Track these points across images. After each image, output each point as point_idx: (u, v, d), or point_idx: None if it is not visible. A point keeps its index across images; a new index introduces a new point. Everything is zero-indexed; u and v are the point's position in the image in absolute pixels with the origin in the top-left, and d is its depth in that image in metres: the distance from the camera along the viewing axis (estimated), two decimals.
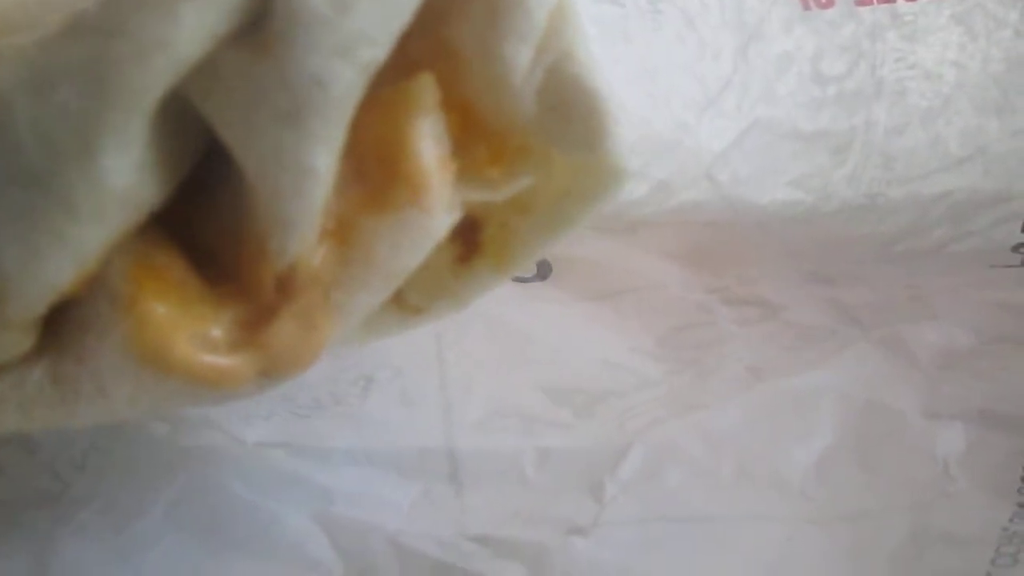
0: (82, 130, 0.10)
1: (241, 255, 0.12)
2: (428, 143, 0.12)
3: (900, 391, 0.18)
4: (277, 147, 0.11)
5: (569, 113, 0.13)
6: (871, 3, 0.27)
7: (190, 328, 0.12)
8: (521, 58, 0.12)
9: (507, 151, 0.13)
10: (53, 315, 0.12)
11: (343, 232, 0.12)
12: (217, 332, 0.12)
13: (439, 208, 0.12)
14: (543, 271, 0.26)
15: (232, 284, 0.12)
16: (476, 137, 0.13)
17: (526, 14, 0.12)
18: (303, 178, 0.11)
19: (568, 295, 0.24)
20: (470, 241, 0.14)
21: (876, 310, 0.21)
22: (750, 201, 0.30)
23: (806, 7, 0.27)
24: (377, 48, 0.11)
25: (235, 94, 0.11)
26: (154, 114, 0.10)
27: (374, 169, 0.12)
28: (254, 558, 0.15)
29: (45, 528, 0.16)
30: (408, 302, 0.15)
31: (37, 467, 0.18)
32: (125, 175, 0.11)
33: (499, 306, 0.24)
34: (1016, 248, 0.26)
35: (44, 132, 0.10)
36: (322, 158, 0.11)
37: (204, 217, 0.12)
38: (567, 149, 0.13)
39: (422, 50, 0.12)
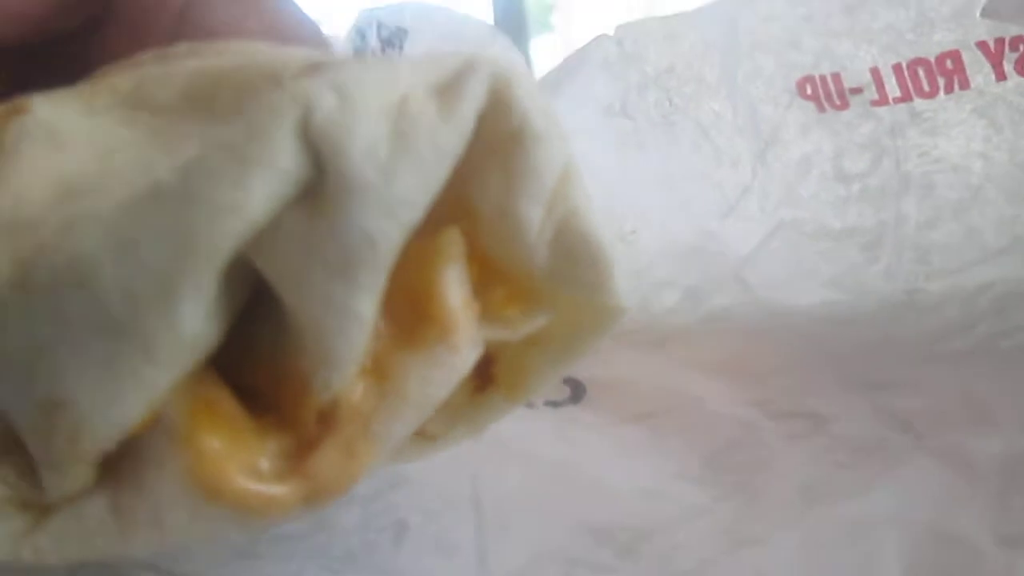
0: (163, 284, 0.11)
1: (283, 390, 0.13)
2: (455, 288, 0.13)
3: (967, 513, 0.17)
4: (328, 296, 0.12)
5: (576, 261, 0.14)
6: (887, 103, 0.26)
7: (241, 460, 0.13)
8: (534, 216, 0.14)
9: (522, 294, 0.14)
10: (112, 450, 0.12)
11: (379, 369, 0.13)
12: (264, 463, 0.13)
13: (465, 346, 0.13)
14: (577, 394, 0.25)
15: (274, 416, 0.13)
16: (494, 282, 0.14)
17: (538, 178, 0.13)
18: (350, 323, 0.12)
19: (603, 419, 0.23)
20: (484, 374, 0.15)
21: (930, 418, 0.20)
22: (784, 304, 0.29)
23: (821, 110, 0.27)
24: (416, 209, 0.12)
25: (291, 249, 0.12)
26: (223, 266, 0.12)
27: (406, 311, 0.13)
28: None
29: None
30: (427, 431, 0.16)
31: None
32: (198, 323, 0.12)
33: (534, 437, 0.23)
34: None
35: (127, 287, 0.11)
36: (367, 305, 0.12)
37: (246, 354, 0.13)
38: (574, 291, 0.15)
39: (446, 208, 0.13)
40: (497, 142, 0.13)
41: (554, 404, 0.24)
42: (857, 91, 0.27)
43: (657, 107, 0.29)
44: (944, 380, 0.22)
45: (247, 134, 0.11)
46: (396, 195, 0.12)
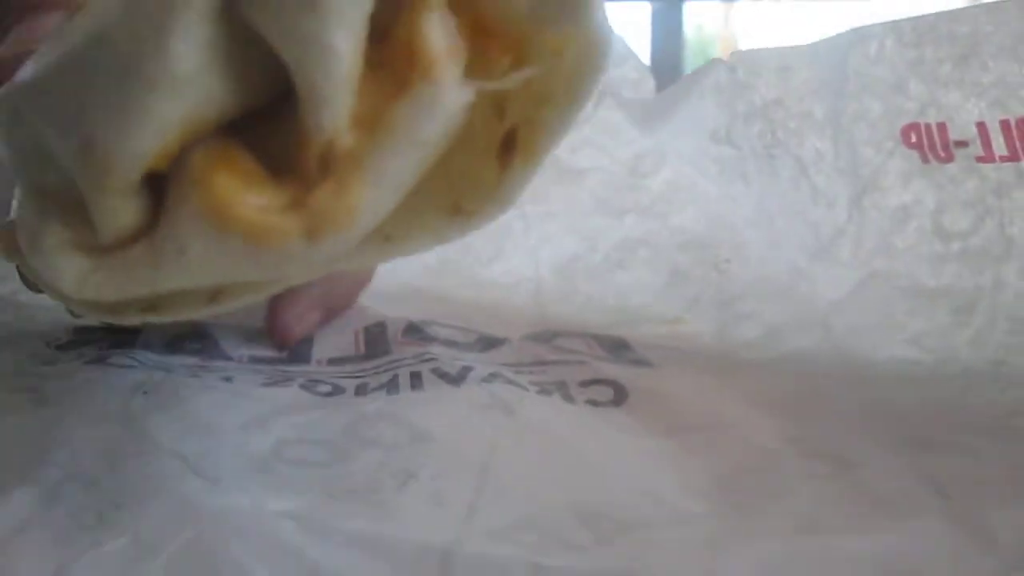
0: (157, 25, 0.14)
1: (294, 150, 0.15)
2: (436, 32, 0.15)
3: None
4: (302, 31, 0.14)
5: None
6: (993, 160, 0.25)
7: (248, 195, 0.15)
8: None
9: (511, 46, 0.16)
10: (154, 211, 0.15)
11: (373, 117, 0.15)
12: (271, 201, 0.15)
13: (447, 81, 0.15)
14: (619, 398, 0.25)
15: (289, 175, 0.15)
16: (485, 36, 0.15)
17: None
18: (327, 57, 0.14)
19: (636, 424, 0.23)
20: (508, 150, 0.17)
21: (968, 486, 0.19)
22: (865, 356, 0.28)
23: (925, 160, 0.26)
24: None
25: None
26: (211, 15, 0.14)
27: (396, 66, 0.15)
28: None
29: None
30: (464, 208, 0.17)
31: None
32: (191, 60, 0.14)
33: (563, 425, 0.23)
34: None
35: (132, 30, 0.14)
36: (341, 39, 0.14)
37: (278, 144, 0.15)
38: (556, 29, 0.15)
39: None
40: None
41: (594, 403, 0.25)
42: (962, 144, 0.25)
43: (760, 138, 0.29)
44: (1002, 454, 0.21)
45: None
46: None
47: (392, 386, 0.25)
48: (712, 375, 0.27)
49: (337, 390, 0.25)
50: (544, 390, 0.25)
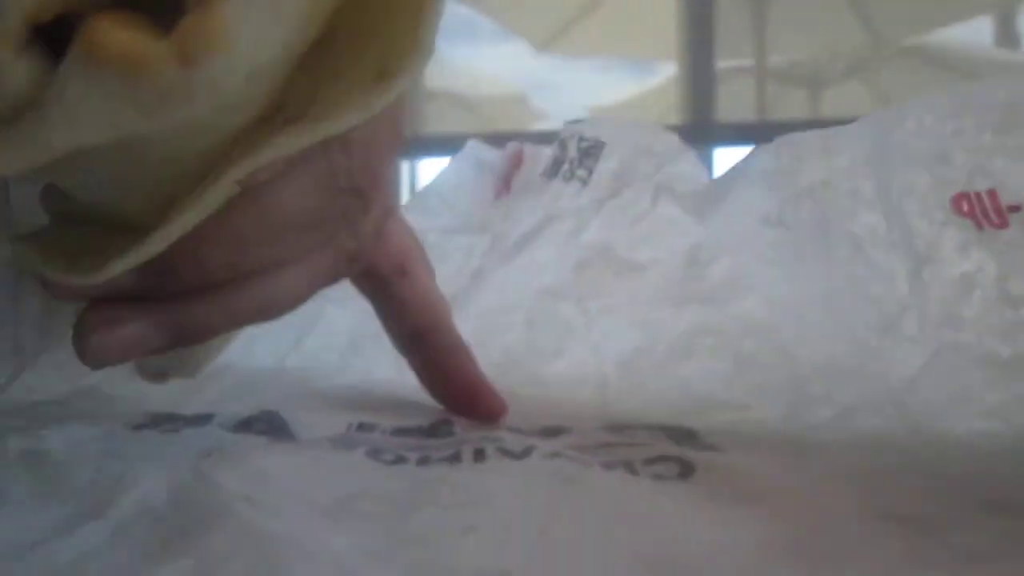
0: None
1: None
2: None
3: None
4: None
5: None
6: None
7: (124, 34, 0.15)
8: None
9: None
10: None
11: None
12: (146, 36, 0.15)
13: None
14: (685, 471, 0.24)
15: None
16: None
17: None
18: None
19: (707, 495, 0.23)
20: None
21: None
22: (942, 431, 0.27)
23: (979, 227, 0.26)
24: None
25: None
26: None
27: None
28: None
29: None
30: (389, 70, 0.17)
31: None
32: None
33: (628, 495, 0.23)
34: None
35: None
36: None
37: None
38: None
39: None
40: None
41: (660, 477, 0.24)
42: (1016, 208, 0.25)
43: (812, 218, 0.29)
44: None
45: None
46: None
47: (455, 458, 0.25)
48: (782, 455, 0.26)
49: (400, 459, 0.25)
50: (608, 466, 0.25)
